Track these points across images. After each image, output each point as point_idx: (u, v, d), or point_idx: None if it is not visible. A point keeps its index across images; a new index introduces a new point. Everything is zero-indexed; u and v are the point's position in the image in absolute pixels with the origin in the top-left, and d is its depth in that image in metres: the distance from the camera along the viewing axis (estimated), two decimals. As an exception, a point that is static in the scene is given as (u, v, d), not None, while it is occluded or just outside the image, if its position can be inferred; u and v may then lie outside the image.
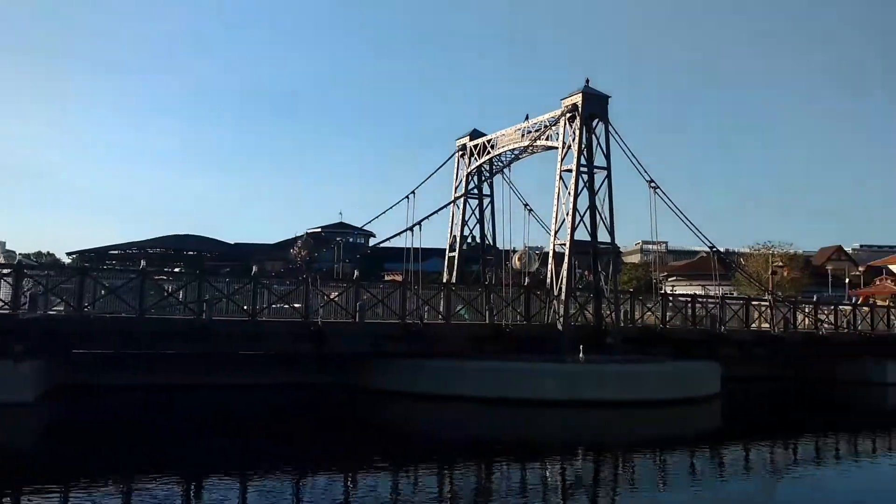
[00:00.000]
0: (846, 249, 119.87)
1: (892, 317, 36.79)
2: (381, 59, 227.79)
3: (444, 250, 35.07)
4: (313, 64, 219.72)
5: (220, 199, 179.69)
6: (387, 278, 38.84)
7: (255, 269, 23.42)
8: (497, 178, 33.48)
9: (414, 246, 25.33)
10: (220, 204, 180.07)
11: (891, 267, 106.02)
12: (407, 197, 31.79)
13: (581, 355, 24.27)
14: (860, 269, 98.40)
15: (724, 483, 14.85)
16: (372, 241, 59.54)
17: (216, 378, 24.18)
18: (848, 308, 36.53)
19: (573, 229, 27.34)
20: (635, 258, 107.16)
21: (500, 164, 32.66)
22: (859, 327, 34.62)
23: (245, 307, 22.85)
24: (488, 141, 32.61)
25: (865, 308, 37.78)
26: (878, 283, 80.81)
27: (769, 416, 26.02)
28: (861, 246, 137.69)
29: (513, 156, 31.32)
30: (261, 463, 14.67)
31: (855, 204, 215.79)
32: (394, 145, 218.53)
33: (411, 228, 25.54)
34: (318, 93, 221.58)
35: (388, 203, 33.46)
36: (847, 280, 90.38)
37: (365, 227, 65.00)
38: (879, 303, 50.75)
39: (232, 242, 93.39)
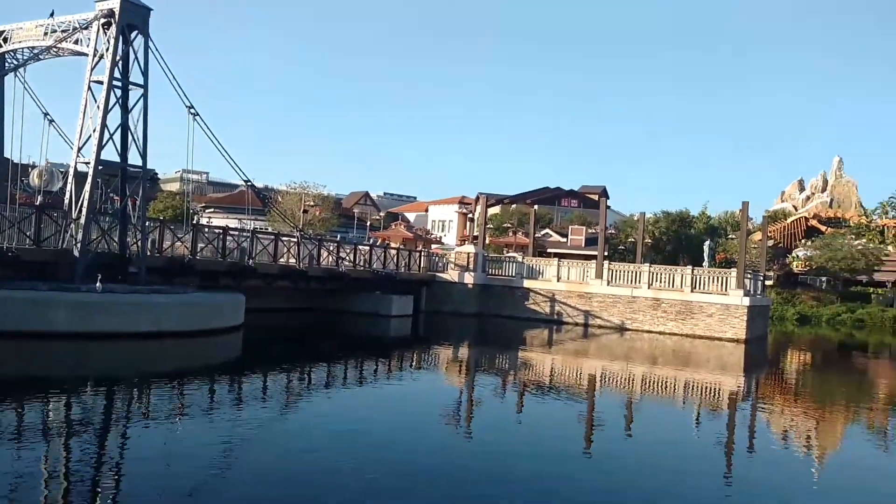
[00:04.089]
0: (372, 195, 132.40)
1: (401, 257, 41.64)
2: None
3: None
4: None
5: None
6: None
7: None
8: (10, 81, 28.83)
9: None
10: None
11: (406, 214, 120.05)
12: None
13: (98, 284, 22.46)
14: (381, 213, 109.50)
15: (240, 410, 15.11)
16: None
17: None
18: (366, 248, 40.27)
19: (100, 147, 24.88)
20: (175, 186, 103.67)
21: (14, 62, 28.09)
22: (374, 265, 38.40)
23: None
24: (0, 33, 27.77)
25: (381, 249, 42.04)
26: (394, 227, 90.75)
27: (290, 345, 27.48)
28: (385, 193, 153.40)
29: (31, 55, 27.17)
30: None
31: (384, 155, 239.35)
32: None
33: None
34: None
35: None
36: (369, 223, 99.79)
37: None
38: (393, 245, 57.13)
39: None
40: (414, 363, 25.33)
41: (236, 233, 32.08)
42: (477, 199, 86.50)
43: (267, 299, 32.99)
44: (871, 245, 77.05)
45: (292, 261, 32.92)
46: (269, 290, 32.77)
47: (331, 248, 36.25)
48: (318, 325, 34.24)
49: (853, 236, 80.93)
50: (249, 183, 32.84)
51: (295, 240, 33.58)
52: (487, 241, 62.83)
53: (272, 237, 33.19)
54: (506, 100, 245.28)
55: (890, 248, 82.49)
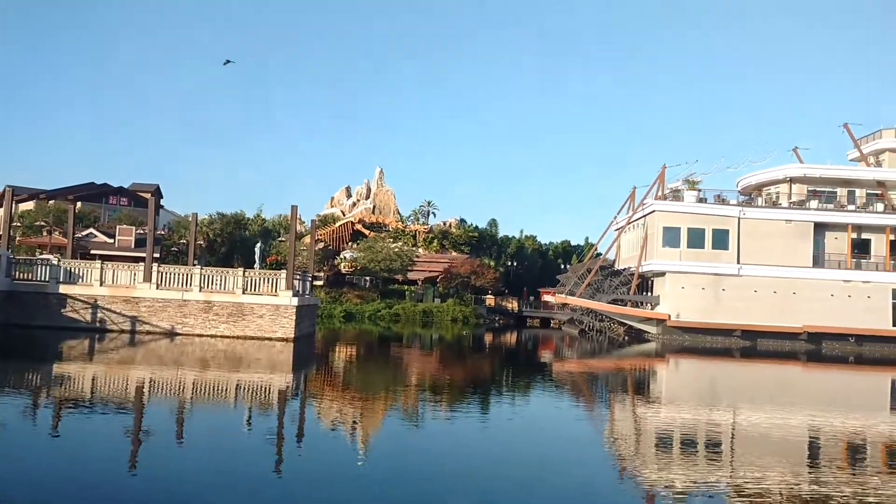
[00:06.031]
0: None
1: None
2: None
3: None
4: None
5: None
6: None
7: None
8: None
9: None
10: None
11: None
12: None
13: None
14: None
15: None
16: None
17: None
18: None
19: None
20: None
21: None
22: None
23: None
24: None
25: None
26: None
27: None
28: None
29: None
30: None
31: None
32: None
33: None
34: None
35: None
36: None
37: None
38: None
39: None
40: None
41: None
42: (3, 192, 75.82)
43: None
44: (405, 247, 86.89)
45: None
46: None
47: None
48: None
49: (392, 240, 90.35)
50: None
51: None
52: (17, 242, 55.66)
53: None
54: (48, 79, 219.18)
55: (420, 250, 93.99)
